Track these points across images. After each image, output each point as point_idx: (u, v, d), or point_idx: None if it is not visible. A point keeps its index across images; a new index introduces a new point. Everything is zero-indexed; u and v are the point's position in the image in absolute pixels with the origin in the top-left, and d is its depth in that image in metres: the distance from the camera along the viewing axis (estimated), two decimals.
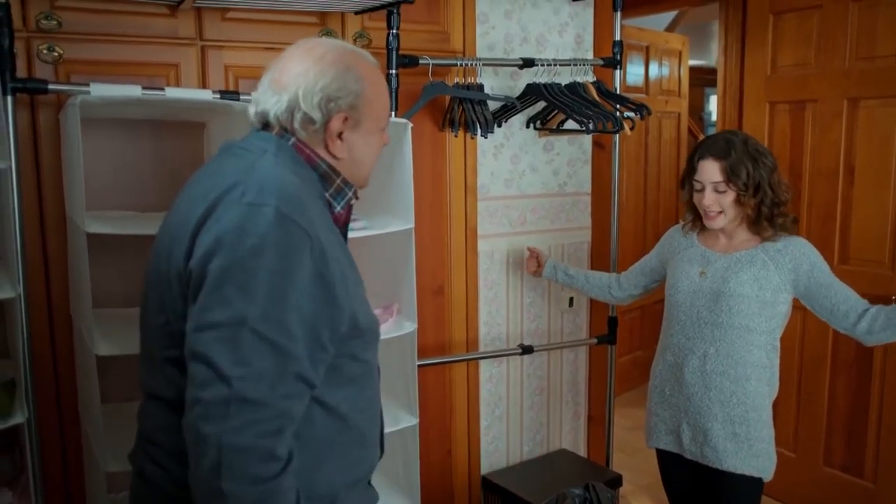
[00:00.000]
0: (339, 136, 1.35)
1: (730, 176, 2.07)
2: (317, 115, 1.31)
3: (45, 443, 2.19)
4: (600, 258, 3.26)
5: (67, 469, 2.31)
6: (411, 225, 2.26)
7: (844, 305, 2.11)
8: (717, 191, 2.10)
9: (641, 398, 4.78)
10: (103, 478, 1.88)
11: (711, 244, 2.24)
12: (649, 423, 2.36)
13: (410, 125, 2.23)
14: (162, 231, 1.34)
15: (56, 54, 2.16)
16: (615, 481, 2.98)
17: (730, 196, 2.10)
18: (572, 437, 3.37)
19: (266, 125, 1.37)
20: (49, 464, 2.22)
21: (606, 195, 3.15)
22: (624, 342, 3.22)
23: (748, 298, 2.10)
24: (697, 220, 2.25)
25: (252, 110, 1.38)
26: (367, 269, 2.52)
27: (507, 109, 2.79)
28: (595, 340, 3.15)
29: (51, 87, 2.03)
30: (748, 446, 2.13)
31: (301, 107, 1.31)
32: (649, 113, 2.75)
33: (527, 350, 2.99)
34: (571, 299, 3.23)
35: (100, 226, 1.86)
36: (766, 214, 2.11)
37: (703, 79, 6.86)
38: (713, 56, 6.69)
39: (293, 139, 1.34)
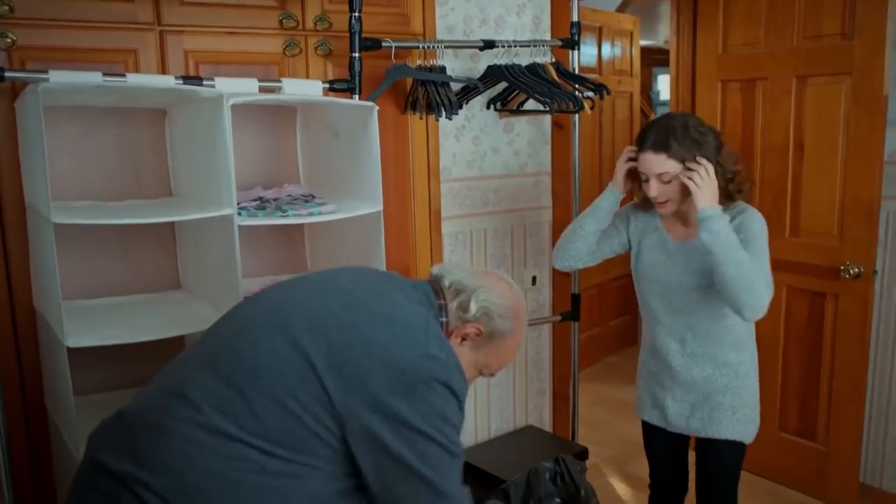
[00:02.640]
0: (463, 338, 1.54)
1: (676, 160, 2.04)
2: (472, 309, 1.51)
3: (12, 437, 2.16)
4: None
5: (35, 462, 2.27)
6: (380, 208, 2.27)
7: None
8: (662, 181, 2.08)
9: (601, 374, 4.91)
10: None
11: (671, 229, 2.25)
12: (637, 395, 2.42)
13: (376, 108, 2.23)
14: (305, 297, 1.49)
15: (9, 40, 2.10)
16: (582, 454, 3.05)
17: (677, 181, 2.07)
18: (538, 414, 3.43)
19: (436, 288, 1.55)
20: (16, 458, 2.19)
21: (566, 175, 3.20)
22: (583, 319, 3.27)
23: (714, 289, 2.11)
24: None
25: (435, 270, 1.60)
26: (337, 253, 2.54)
27: (469, 91, 2.80)
28: (559, 318, 3.20)
29: (7, 74, 1.98)
30: (731, 413, 2.19)
31: (471, 295, 1.52)
32: (608, 92, 2.79)
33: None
34: (534, 278, 3.28)
35: (66, 216, 1.82)
36: (722, 189, 2.11)
37: (651, 58, 6.96)
38: (661, 36, 6.79)
39: (444, 319, 1.53)
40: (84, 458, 1.42)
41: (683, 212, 2.19)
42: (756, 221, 2.13)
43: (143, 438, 1.33)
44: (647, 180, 2.12)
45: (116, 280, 2.35)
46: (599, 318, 4.96)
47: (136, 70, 2.30)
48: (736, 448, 2.23)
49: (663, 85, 8.24)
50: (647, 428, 2.42)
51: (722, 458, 2.24)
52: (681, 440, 2.35)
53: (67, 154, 2.24)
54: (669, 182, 2.08)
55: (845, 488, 3.19)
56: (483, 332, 1.53)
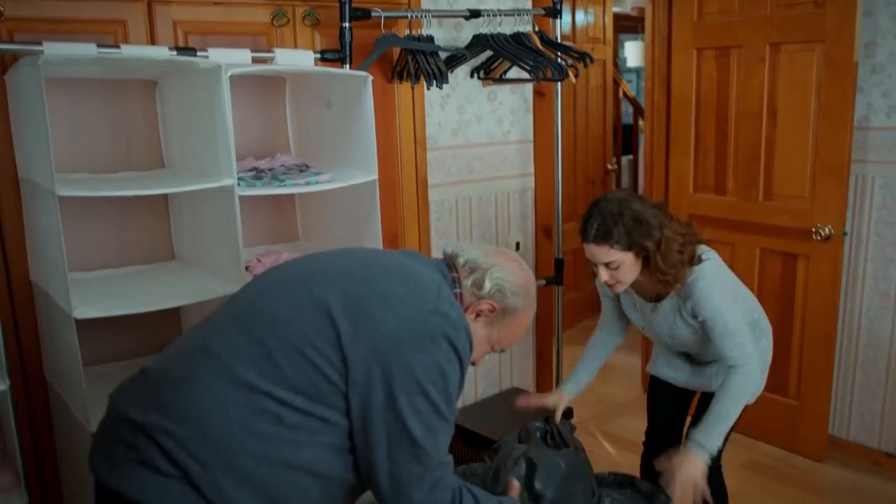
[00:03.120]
0: (477, 315, 1.59)
1: (619, 249, 2.04)
2: (487, 286, 1.57)
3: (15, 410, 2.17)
4: (544, 203, 3.38)
5: (37, 435, 2.29)
6: (375, 176, 2.30)
7: (720, 354, 2.15)
8: (611, 268, 2.08)
9: (577, 337, 4.99)
10: (89, 439, 1.88)
11: (639, 292, 2.27)
12: (654, 352, 2.51)
13: (371, 78, 2.25)
14: (323, 260, 1.59)
15: None
16: (566, 413, 3.13)
17: (623, 266, 2.07)
18: (521, 376, 3.52)
19: (449, 264, 1.61)
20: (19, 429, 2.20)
21: (548, 142, 3.25)
22: (568, 282, 3.36)
23: (691, 339, 2.22)
24: None
25: (449, 250, 1.65)
26: (329, 221, 2.57)
27: (455, 59, 2.83)
28: (544, 282, 3.27)
29: (1, 46, 1.96)
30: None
31: (485, 273, 1.58)
32: (592, 61, 2.85)
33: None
34: (518, 244, 3.35)
35: (69, 188, 1.83)
36: (660, 279, 2.10)
37: (618, 25, 7.01)
38: (628, 3, 6.84)
39: (458, 289, 1.58)
40: (107, 414, 1.47)
41: (644, 283, 2.18)
42: (710, 299, 2.10)
43: (167, 391, 1.39)
44: (596, 266, 2.12)
45: (112, 252, 2.36)
46: (575, 283, 5.04)
47: (126, 41, 2.28)
48: None
49: (630, 52, 8.31)
50: (655, 382, 2.50)
51: None
52: (684, 397, 2.44)
53: (57, 127, 2.21)
54: (618, 268, 2.08)
55: (815, 440, 3.34)
56: (496, 308, 1.59)
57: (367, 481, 1.44)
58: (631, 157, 6.87)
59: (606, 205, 2.06)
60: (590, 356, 2.50)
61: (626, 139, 6.99)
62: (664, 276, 2.07)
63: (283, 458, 1.36)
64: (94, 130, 2.31)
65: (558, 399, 2.38)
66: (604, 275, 2.10)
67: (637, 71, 8.88)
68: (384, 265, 1.53)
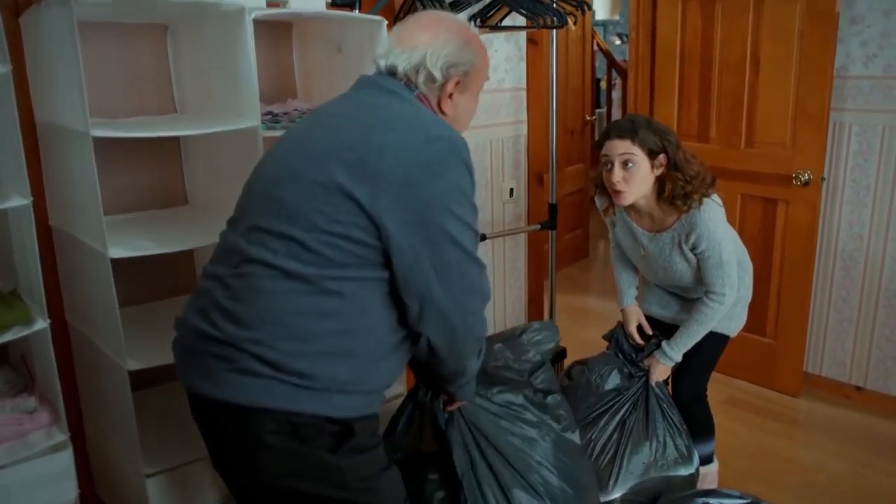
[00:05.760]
0: (450, 96, 1.61)
1: (640, 149, 2.15)
2: (438, 75, 1.57)
3: None
4: (536, 149, 3.45)
5: (61, 374, 2.32)
6: None
7: (706, 282, 2.30)
8: (625, 167, 2.17)
9: (557, 284, 5.10)
10: (126, 377, 1.93)
11: (638, 221, 2.37)
12: (643, 292, 2.63)
13: (385, 22, 2.28)
14: (305, 140, 1.56)
15: None
16: (561, 353, 3.27)
17: (638, 170, 2.16)
18: (515, 318, 3.63)
19: (392, 75, 1.59)
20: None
21: (540, 90, 3.32)
22: (565, 223, 3.46)
23: (687, 273, 2.33)
24: (611, 203, 2.37)
25: (382, 63, 1.60)
26: None
27: (460, 5, 2.86)
28: (538, 226, 3.36)
29: None
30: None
31: (426, 66, 1.56)
32: (590, 8, 2.90)
33: (480, 238, 3.16)
34: (511, 190, 3.43)
35: (105, 130, 1.84)
36: (679, 192, 2.18)
37: None
38: None
39: (417, 91, 1.58)
40: (185, 333, 1.55)
41: (646, 209, 2.29)
42: (714, 231, 2.21)
43: (236, 304, 1.46)
44: (610, 169, 2.20)
45: (126, 197, 2.38)
46: (578, 221, 5.22)
47: None
48: (719, 339, 2.45)
49: (597, 5, 8.38)
50: (649, 321, 2.59)
51: (705, 347, 2.43)
52: (670, 335, 2.52)
53: None
54: (631, 169, 2.17)
55: (791, 377, 3.51)
56: (461, 79, 1.60)
57: (424, 306, 1.49)
58: (603, 110, 6.97)
59: (633, 116, 2.24)
60: (625, 268, 2.62)
61: (596, 93, 7.09)
62: (686, 185, 2.17)
63: (356, 324, 1.47)
64: (105, 75, 2.30)
65: (636, 314, 2.57)
66: (617, 173, 2.17)
67: (604, 24, 8.96)
68: (364, 120, 1.52)
